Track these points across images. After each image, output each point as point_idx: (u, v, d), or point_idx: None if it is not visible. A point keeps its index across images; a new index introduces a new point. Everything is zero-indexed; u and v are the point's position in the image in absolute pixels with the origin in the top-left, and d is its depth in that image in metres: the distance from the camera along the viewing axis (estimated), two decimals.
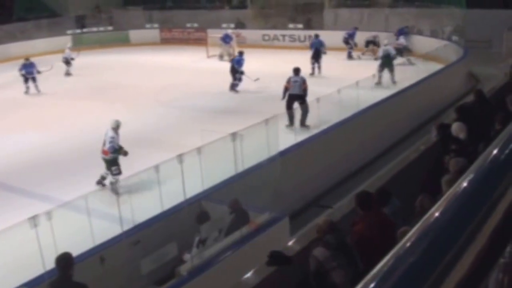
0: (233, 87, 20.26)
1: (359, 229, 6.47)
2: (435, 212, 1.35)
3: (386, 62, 20.01)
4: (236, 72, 20.15)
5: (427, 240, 1.25)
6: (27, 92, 22.85)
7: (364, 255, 6.12)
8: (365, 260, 6.09)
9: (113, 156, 11.82)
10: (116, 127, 12.16)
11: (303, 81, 15.75)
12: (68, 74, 25.19)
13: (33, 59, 23.98)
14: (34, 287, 7.00)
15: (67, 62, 25.94)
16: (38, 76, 22.91)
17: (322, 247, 6.04)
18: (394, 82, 19.36)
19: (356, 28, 26.93)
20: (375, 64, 20.60)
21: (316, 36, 24.15)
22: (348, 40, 26.50)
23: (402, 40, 24.90)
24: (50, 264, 6.69)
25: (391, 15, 28.81)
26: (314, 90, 15.75)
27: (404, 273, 1.15)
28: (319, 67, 23.01)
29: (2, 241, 7.59)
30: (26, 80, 22.99)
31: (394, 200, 7.17)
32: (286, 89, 15.58)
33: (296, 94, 15.45)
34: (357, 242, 6.33)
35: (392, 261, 1.20)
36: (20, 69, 23.12)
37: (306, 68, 23.47)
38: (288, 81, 15.70)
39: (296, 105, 15.19)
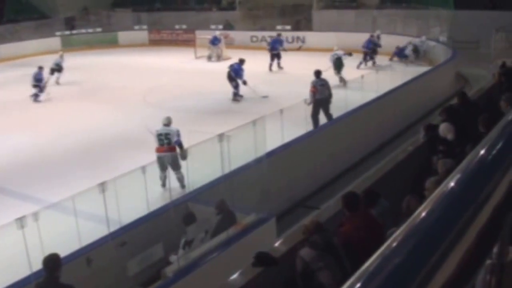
0: (235, 96, 19.44)
1: (346, 230, 6.46)
2: (422, 212, 1.34)
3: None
4: (233, 80, 19.38)
5: (414, 240, 1.24)
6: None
7: (351, 256, 6.10)
8: (352, 261, 6.06)
9: (177, 154, 11.43)
10: (168, 123, 11.88)
11: (328, 83, 15.27)
12: (57, 83, 24.67)
13: (23, 60, 23.76)
14: None
15: (59, 69, 25.01)
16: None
17: (308, 248, 6.04)
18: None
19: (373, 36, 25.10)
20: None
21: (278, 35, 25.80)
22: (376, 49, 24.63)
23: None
24: (37, 265, 6.64)
25: (379, 17, 28.83)
26: (300, 91, 15.75)
27: (390, 273, 1.14)
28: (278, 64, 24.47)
29: None
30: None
31: (382, 201, 7.16)
32: (313, 93, 14.74)
33: (324, 98, 14.81)
34: (344, 243, 6.31)
35: (378, 262, 1.18)
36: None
37: (302, 69, 23.66)
38: (314, 85, 14.92)
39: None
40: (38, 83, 21.95)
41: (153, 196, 9.80)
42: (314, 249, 6.00)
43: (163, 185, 11.28)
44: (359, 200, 6.73)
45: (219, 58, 27.83)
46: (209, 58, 28.17)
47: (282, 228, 8.88)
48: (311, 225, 6.31)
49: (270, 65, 24.54)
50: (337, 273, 5.97)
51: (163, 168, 11.31)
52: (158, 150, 11.45)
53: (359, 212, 6.57)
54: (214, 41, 28.43)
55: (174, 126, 11.84)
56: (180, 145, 11.38)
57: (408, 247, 1.21)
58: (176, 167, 11.37)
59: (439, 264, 1.18)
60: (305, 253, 6.01)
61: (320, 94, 14.74)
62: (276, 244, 7.30)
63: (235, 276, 6.64)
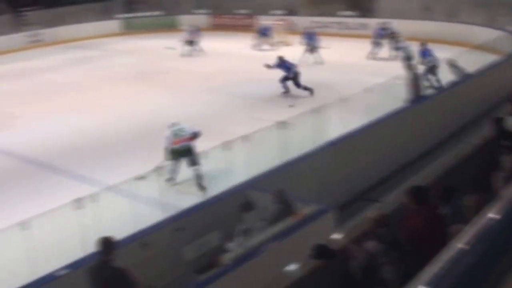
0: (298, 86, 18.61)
1: (411, 224, 6.26)
2: (491, 212, 1.16)
3: None
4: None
5: (484, 242, 1.06)
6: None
7: (415, 251, 5.92)
8: (416, 256, 5.89)
9: (193, 145, 11.40)
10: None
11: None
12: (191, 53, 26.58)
13: (82, 43, 24.23)
14: (74, 270, 6.95)
15: (191, 42, 26.86)
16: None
17: (374, 241, 5.85)
18: None
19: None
20: None
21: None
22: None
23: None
24: (92, 248, 6.62)
25: (438, 3, 27.83)
26: (362, 79, 15.46)
27: (460, 274, 0.97)
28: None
29: (47, 222, 7.59)
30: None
31: (457, 199, 6.87)
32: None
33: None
34: (409, 237, 6.14)
35: (447, 262, 1.01)
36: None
37: (357, 57, 23.25)
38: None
39: None
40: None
41: (212, 182, 9.72)
42: (380, 242, 5.82)
43: (169, 179, 11.27)
44: (425, 194, 6.51)
45: (274, 45, 27.61)
46: (258, 46, 27.86)
47: (341, 221, 8.66)
48: (379, 218, 6.13)
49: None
50: (400, 270, 5.79)
51: (178, 158, 11.41)
52: (174, 143, 11.44)
53: (424, 206, 6.34)
54: (264, 31, 28.30)
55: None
56: (195, 135, 11.43)
57: (478, 248, 1.05)
58: (190, 159, 11.32)
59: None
60: (371, 246, 5.84)
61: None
62: (335, 237, 7.13)
63: (292, 267, 6.52)
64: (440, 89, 15.96)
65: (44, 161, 13.63)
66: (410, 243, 6.04)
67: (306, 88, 18.05)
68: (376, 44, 23.74)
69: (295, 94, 17.82)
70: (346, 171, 10.90)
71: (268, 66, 18.25)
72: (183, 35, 26.99)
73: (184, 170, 11.26)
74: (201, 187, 11.02)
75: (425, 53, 17.40)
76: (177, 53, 26.36)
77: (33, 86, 22.56)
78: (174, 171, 11.36)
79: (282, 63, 18.30)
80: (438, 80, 16.81)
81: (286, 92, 18.11)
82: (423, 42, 17.93)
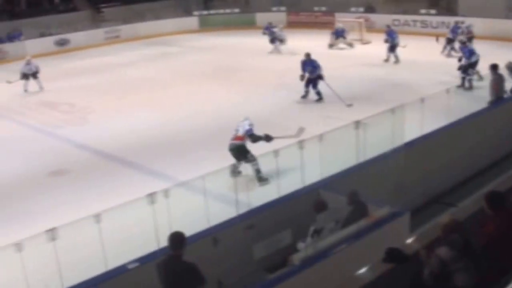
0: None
1: (487, 231, 6.06)
2: None
3: None
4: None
5: None
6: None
7: (491, 259, 5.80)
8: (493, 264, 5.76)
9: (242, 143, 11.56)
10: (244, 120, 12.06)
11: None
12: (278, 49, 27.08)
13: (160, 39, 24.62)
14: (145, 263, 7.02)
15: (281, 40, 27.36)
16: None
17: (447, 247, 5.66)
18: None
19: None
20: None
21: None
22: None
23: None
24: (164, 242, 6.67)
25: None
26: (441, 79, 15.03)
27: None
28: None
29: (120, 216, 7.69)
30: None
31: None
32: (496, 91, 14.11)
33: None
34: (485, 244, 5.97)
35: None
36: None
37: (436, 56, 22.69)
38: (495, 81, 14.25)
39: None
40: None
41: (285, 181, 9.64)
42: (453, 249, 5.63)
43: (233, 175, 11.19)
44: (502, 200, 6.28)
45: (351, 45, 27.36)
46: (332, 46, 27.69)
47: (415, 224, 8.43)
48: (451, 223, 5.92)
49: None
50: (473, 277, 5.59)
51: (233, 156, 11.55)
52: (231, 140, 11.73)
53: (501, 212, 6.12)
54: (338, 33, 28.10)
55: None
56: (251, 135, 11.56)
57: None
58: (243, 157, 11.45)
59: None
60: (443, 253, 5.66)
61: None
62: (409, 241, 6.99)
63: (363, 270, 6.44)
64: None
65: (118, 156, 13.93)
66: (486, 250, 5.87)
67: (319, 93, 17.67)
68: (450, 42, 23.29)
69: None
70: (421, 173, 10.62)
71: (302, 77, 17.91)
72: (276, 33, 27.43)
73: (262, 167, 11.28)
74: (262, 180, 11.28)
75: None
76: (253, 50, 26.47)
77: (109, 81, 23.14)
78: (236, 167, 11.39)
79: (310, 62, 17.93)
80: None
81: (320, 99, 17.72)
82: None
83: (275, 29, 27.63)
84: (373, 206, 8.35)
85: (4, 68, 26.50)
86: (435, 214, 9.42)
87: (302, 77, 17.83)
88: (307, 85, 17.81)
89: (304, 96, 17.87)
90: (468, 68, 17.71)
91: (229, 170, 11.10)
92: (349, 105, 16.74)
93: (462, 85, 17.59)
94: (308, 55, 18.05)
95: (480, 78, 17.30)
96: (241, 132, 11.62)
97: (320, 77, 17.61)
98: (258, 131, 11.71)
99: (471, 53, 18.03)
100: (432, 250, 5.84)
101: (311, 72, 17.73)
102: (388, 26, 24.07)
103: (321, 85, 17.49)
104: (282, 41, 27.16)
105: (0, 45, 30.14)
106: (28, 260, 6.14)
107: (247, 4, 37.71)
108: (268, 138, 11.66)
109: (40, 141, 15.70)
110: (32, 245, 6.01)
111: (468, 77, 17.75)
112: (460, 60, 18.12)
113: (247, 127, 11.65)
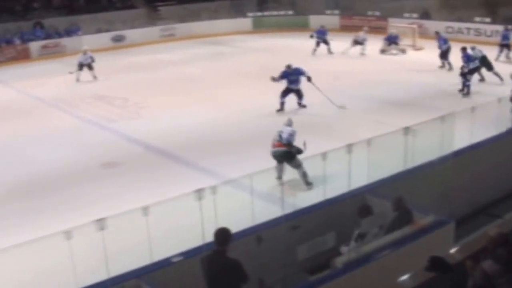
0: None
1: None
2: None
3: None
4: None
5: None
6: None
7: None
8: None
9: (286, 150, 11.51)
10: (288, 124, 12.06)
11: None
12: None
13: (214, 39, 24.81)
14: (189, 258, 7.15)
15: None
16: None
17: (492, 261, 5.60)
18: None
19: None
20: None
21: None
22: None
23: None
24: (209, 238, 6.79)
25: None
26: (498, 89, 14.76)
27: None
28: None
29: (168, 210, 7.84)
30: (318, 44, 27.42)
31: None
32: None
33: None
34: None
35: None
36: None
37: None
38: None
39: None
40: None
41: (331, 184, 9.67)
42: (498, 263, 5.57)
43: (278, 177, 11.47)
44: None
45: (404, 51, 27.17)
46: (384, 51, 27.57)
47: (460, 234, 8.37)
48: (497, 236, 5.85)
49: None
50: None
51: (278, 161, 11.53)
52: (273, 145, 11.71)
53: None
54: (390, 39, 27.99)
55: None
56: (288, 144, 11.49)
57: None
58: (289, 163, 11.47)
59: None
60: (488, 266, 5.60)
61: None
62: (453, 251, 6.90)
63: (405, 277, 6.38)
64: None
65: (168, 151, 14.17)
66: None
67: (282, 104, 17.35)
68: (502, 47, 23.09)
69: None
70: (468, 183, 10.51)
71: (274, 79, 17.51)
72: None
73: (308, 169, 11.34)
74: (307, 183, 11.30)
75: None
76: (306, 52, 26.48)
77: (162, 78, 23.48)
78: (279, 170, 11.50)
79: (293, 72, 17.59)
80: None
81: (280, 110, 17.35)
82: None
83: (359, 33, 27.77)
84: (418, 213, 8.32)
85: (62, 62, 27.27)
86: (481, 225, 9.30)
87: (273, 79, 17.42)
88: (283, 95, 17.41)
89: (280, 110, 17.32)
90: (467, 74, 18.34)
91: (275, 172, 11.26)
92: (341, 107, 16.80)
93: (462, 90, 18.32)
94: (289, 67, 17.66)
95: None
96: (284, 140, 11.58)
97: (308, 79, 17.45)
98: (307, 133, 11.73)
99: (469, 59, 18.65)
100: (476, 262, 5.80)
101: (294, 82, 17.43)
102: (437, 33, 23.77)
103: (310, 88, 17.37)
104: (362, 44, 27.21)
105: (59, 39, 30.95)
106: (76, 248, 6.30)
107: (300, 7, 37.67)
108: (300, 152, 11.53)
109: (94, 133, 16.11)
110: (81, 233, 6.16)
111: (467, 83, 18.31)
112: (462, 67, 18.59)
113: (286, 136, 11.62)
